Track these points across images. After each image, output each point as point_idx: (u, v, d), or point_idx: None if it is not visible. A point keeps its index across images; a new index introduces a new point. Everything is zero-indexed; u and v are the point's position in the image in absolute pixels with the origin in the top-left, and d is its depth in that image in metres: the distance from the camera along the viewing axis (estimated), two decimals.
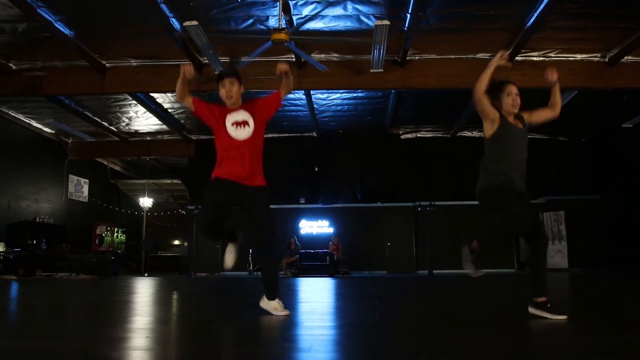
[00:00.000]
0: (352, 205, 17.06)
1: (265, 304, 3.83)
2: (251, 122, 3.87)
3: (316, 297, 6.36)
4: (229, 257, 4.09)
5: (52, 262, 13.70)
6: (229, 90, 3.89)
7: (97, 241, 18.76)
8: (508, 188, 3.68)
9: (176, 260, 19.11)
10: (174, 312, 4.69)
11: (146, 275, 16.41)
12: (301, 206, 17.15)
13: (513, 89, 3.86)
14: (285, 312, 3.78)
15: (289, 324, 3.45)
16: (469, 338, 2.92)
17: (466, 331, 3.20)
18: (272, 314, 3.74)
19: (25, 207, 15.64)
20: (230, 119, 3.87)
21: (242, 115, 3.89)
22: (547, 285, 3.56)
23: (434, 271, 14.81)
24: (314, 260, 15.00)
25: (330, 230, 16.77)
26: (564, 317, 3.45)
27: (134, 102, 13.95)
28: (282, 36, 8.51)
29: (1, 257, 13.73)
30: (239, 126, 3.85)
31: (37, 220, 15.59)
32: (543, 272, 3.63)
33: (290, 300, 5.41)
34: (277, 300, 3.81)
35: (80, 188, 18.56)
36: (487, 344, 2.69)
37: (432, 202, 14.31)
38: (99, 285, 9.36)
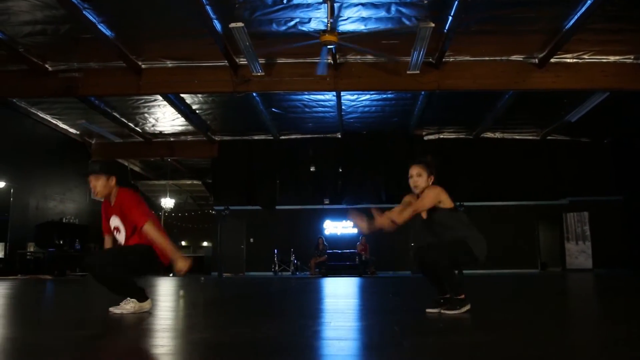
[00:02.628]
0: (376, 206, 17.06)
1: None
2: (122, 228, 3.83)
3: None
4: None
5: None
6: (93, 186, 3.86)
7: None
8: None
9: (198, 261, 19.13)
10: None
11: (171, 275, 16.46)
12: (325, 207, 17.25)
13: (411, 171, 3.99)
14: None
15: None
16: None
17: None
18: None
19: (52, 207, 15.73)
20: (112, 223, 3.89)
21: (115, 221, 3.86)
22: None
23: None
24: (342, 260, 15.07)
25: (355, 230, 16.85)
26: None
27: (162, 103, 14.03)
28: (332, 37, 8.59)
29: (32, 257, 13.83)
30: (116, 231, 3.89)
31: (64, 221, 15.69)
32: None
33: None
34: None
35: None
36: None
37: (461, 203, 14.39)
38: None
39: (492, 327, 3.26)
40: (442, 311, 3.82)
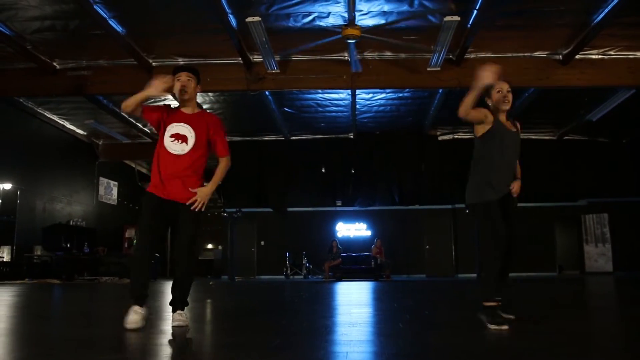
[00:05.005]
0: (389, 208, 16.76)
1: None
2: (191, 140, 3.53)
3: None
4: (134, 317, 3.31)
5: (94, 266, 13.42)
6: (184, 85, 3.54)
7: (126, 244, 18.49)
8: (490, 202, 3.61)
9: (208, 264, 18.80)
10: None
11: None
12: (338, 209, 16.88)
13: (504, 86, 3.72)
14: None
15: None
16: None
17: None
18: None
19: (59, 209, 15.39)
20: (170, 130, 3.55)
21: (186, 130, 3.54)
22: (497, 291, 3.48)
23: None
24: (357, 263, 14.66)
25: (368, 233, 16.50)
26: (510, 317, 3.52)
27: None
28: (354, 31, 8.23)
29: (39, 261, 13.46)
30: (177, 139, 3.53)
31: (71, 223, 15.34)
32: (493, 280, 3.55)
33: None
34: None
35: (110, 191, 18.31)
36: None
37: None
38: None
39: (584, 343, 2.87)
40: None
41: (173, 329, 3.30)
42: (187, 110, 3.63)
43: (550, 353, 2.51)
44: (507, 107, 3.68)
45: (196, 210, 3.48)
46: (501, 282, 3.62)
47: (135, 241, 3.38)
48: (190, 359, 2.49)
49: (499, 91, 3.68)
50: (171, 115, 3.60)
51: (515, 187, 3.70)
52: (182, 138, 3.51)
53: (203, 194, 3.48)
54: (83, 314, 4.89)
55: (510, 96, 3.70)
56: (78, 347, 2.79)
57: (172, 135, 3.53)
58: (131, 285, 3.42)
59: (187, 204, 3.47)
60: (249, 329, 3.45)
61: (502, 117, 3.72)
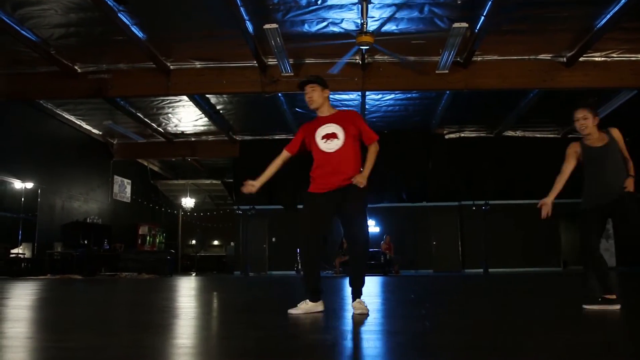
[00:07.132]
0: (397, 205, 17.18)
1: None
2: (341, 135, 3.85)
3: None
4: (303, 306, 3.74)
5: (114, 262, 13.91)
6: (309, 97, 3.96)
7: (139, 241, 18.98)
8: (587, 210, 4.04)
9: (218, 260, 19.28)
10: None
11: (194, 274, 16.61)
12: None
13: (577, 114, 3.99)
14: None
15: None
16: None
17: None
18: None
19: (76, 207, 15.88)
20: (320, 132, 3.90)
21: (332, 128, 3.88)
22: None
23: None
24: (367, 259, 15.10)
25: (377, 229, 16.91)
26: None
27: (187, 103, 14.14)
28: (367, 38, 8.64)
29: (59, 257, 13.95)
30: (327, 138, 3.86)
31: (88, 221, 15.82)
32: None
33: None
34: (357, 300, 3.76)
35: (123, 189, 18.79)
36: None
37: (487, 202, 14.43)
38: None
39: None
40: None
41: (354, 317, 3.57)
42: (324, 113, 4.00)
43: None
44: (584, 133, 3.98)
45: (360, 187, 3.73)
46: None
47: (300, 242, 3.73)
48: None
49: (576, 120, 3.98)
50: (312, 124, 3.99)
51: (627, 183, 3.96)
52: (332, 136, 3.86)
53: (361, 177, 3.75)
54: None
55: (585, 122, 3.94)
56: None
57: (323, 137, 3.88)
58: (305, 281, 3.82)
59: (349, 185, 3.76)
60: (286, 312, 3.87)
61: (589, 140, 4.01)
